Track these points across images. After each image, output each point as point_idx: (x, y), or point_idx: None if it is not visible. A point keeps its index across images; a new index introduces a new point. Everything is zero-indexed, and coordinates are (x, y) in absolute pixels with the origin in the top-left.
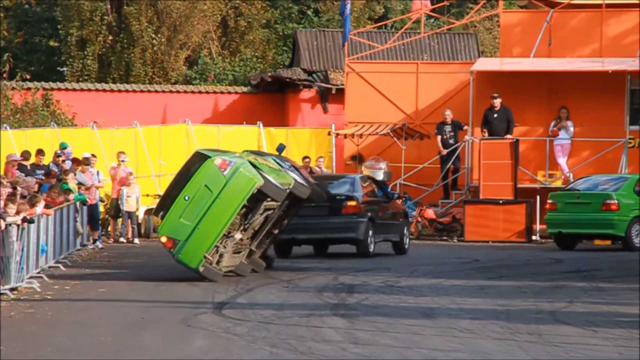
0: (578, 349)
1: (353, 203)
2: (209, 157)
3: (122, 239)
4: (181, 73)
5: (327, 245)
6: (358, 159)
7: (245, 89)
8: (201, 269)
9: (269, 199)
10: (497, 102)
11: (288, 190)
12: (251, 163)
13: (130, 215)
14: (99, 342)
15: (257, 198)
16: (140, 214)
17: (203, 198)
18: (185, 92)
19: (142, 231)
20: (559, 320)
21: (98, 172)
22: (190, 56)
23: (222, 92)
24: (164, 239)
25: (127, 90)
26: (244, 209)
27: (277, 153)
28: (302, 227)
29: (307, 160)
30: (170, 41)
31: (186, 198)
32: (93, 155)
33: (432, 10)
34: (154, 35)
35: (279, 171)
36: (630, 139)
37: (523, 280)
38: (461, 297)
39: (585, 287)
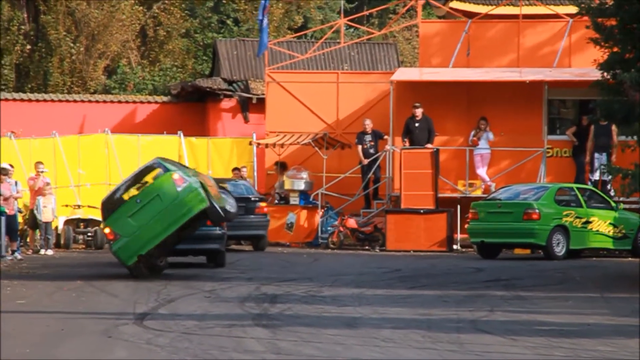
0: (498, 358)
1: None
2: (169, 170)
3: (42, 251)
4: (100, 82)
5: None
6: (280, 166)
7: (165, 99)
8: (133, 266)
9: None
10: (419, 112)
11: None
12: (202, 185)
13: (46, 225)
14: (18, 354)
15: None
16: (60, 224)
17: (153, 205)
18: (105, 101)
19: (62, 242)
20: (479, 329)
21: (16, 183)
22: (109, 65)
23: (141, 102)
24: (107, 230)
25: (45, 100)
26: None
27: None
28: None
29: (237, 171)
30: (88, 50)
31: (138, 201)
32: (11, 166)
33: (352, 20)
34: (72, 45)
35: (219, 195)
36: (548, 148)
37: (444, 289)
38: (383, 307)
39: (505, 296)
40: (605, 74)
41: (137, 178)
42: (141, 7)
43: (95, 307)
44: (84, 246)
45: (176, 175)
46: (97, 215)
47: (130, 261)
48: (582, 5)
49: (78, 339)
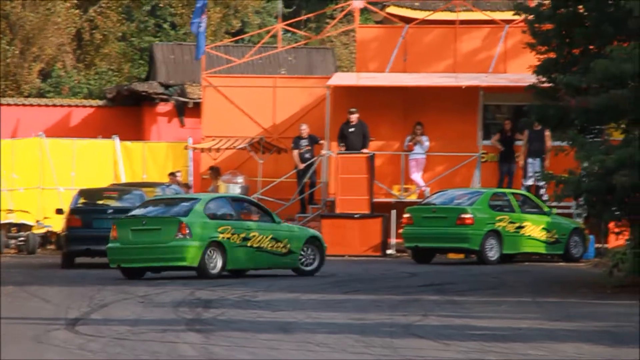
0: None
1: None
2: (190, 212)
3: None
4: (34, 86)
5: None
6: (214, 171)
7: (100, 103)
8: (114, 267)
9: None
10: (354, 117)
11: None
12: (220, 242)
13: None
14: None
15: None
16: None
17: (151, 234)
18: (39, 105)
19: None
20: (412, 334)
21: None
22: (44, 69)
23: (77, 106)
24: (114, 227)
25: None
26: None
27: None
28: None
29: (172, 176)
30: (23, 54)
31: (144, 222)
32: None
33: (289, 25)
34: (7, 47)
35: (249, 250)
36: (483, 153)
37: (378, 294)
38: (317, 312)
39: (439, 300)
40: (540, 77)
41: (164, 201)
42: (77, 10)
43: (27, 313)
44: (15, 251)
45: (184, 225)
46: (30, 220)
47: (112, 264)
48: (519, 2)
49: (8, 345)
